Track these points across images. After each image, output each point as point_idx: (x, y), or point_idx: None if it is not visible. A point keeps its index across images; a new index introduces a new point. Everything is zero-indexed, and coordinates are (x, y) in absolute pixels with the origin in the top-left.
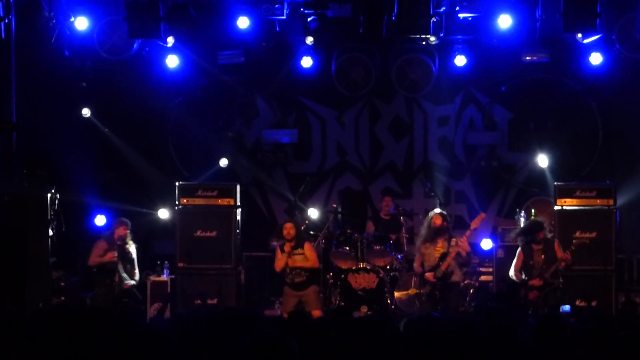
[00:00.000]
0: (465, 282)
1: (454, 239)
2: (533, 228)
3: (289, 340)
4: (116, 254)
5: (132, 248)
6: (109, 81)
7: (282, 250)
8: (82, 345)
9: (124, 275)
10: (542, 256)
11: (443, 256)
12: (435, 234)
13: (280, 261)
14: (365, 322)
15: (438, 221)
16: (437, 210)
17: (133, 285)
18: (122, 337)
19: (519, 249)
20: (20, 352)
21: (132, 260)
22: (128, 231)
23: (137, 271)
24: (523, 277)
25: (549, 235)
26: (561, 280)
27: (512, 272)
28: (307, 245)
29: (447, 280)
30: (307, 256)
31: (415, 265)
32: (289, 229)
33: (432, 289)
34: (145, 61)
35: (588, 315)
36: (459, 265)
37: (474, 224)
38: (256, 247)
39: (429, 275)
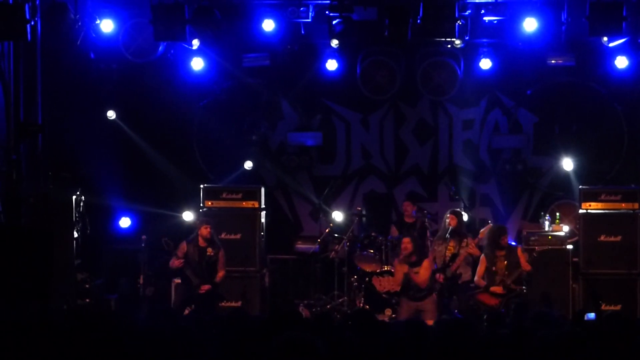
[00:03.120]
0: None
1: (464, 240)
2: (495, 233)
3: (316, 342)
4: (181, 262)
5: (214, 249)
6: (134, 83)
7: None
8: (103, 347)
9: (197, 279)
10: (505, 262)
11: (453, 257)
12: (448, 233)
13: (395, 285)
14: (390, 325)
15: (453, 222)
16: (455, 210)
17: (209, 289)
18: (146, 339)
19: (482, 255)
20: (45, 353)
21: (214, 262)
22: (209, 230)
23: (220, 273)
24: (485, 283)
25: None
26: (524, 288)
27: (475, 278)
28: (425, 263)
29: (457, 280)
30: (420, 274)
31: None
32: (406, 243)
33: (441, 287)
34: (171, 63)
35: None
36: (470, 265)
37: (482, 234)
38: (280, 249)
39: (438, 275)
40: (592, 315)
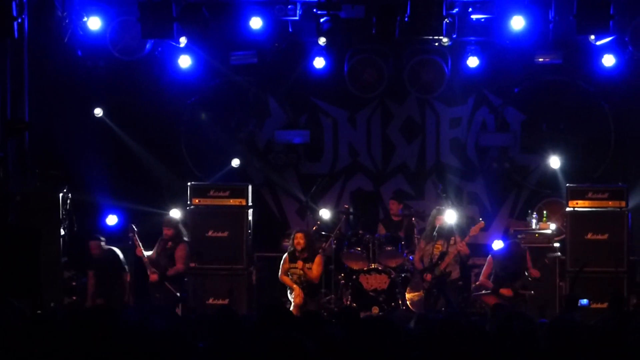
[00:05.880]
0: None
1: (452, 238)
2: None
3: (306, 342)
4: (140, 250)
5: (174, 243)
6: (122, 81)
7: (292, 259)
8: (92, 345)
9: (151, 270)
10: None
11: (442, 255)
12: (436, 232)
13: (295, 291)
14: (373, 322)
15: (439, 220)
16: (442, 209)
17: (155, 280)
18: (131, 338)
19: (489, 256)
20: (34, 352)
21: (170, 254)
22: (168, 233)
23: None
24: (492, 285)
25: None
26: (532, 292)
27: (481, 279)
28: (317, 259)
29: (446, 278)
30: (313, 269)
31: (415, 260)
32: (299, 239)
33: (431, 286)
34: (158, 61)
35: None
36: (459, 263)
37: (473, 231)
38: (267, 247)
39: (425, 274)
40: (585, 301)
